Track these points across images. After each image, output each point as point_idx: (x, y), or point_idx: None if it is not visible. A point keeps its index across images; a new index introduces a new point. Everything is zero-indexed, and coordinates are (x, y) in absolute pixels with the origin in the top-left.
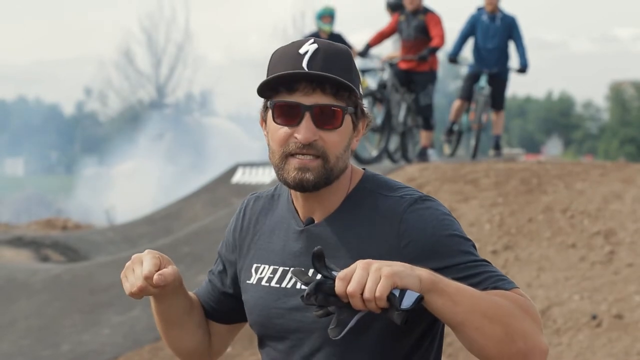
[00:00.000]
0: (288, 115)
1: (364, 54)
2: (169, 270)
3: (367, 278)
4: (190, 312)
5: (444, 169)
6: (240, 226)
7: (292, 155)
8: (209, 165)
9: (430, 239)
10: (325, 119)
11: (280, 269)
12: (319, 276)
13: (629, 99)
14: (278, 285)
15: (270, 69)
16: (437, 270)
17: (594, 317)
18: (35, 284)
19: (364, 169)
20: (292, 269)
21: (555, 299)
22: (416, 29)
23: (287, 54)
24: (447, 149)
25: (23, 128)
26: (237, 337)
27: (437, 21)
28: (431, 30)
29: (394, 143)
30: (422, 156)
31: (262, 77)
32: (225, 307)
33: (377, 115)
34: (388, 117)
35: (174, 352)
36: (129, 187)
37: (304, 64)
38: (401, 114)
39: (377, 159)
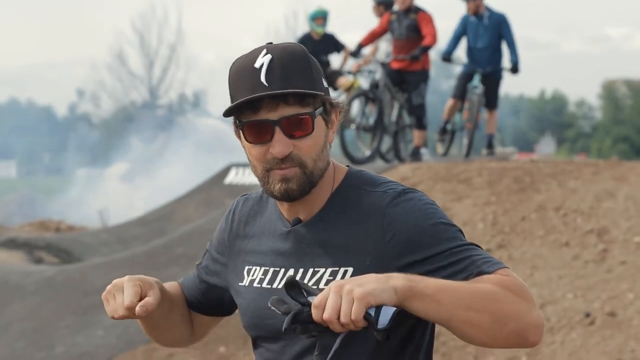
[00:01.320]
0: (258, 133)
1: (356, 53)
2: (150, 300)
3: (340, 302)
4: (170, 313)
5: (437, 169)
6: (230, 227)
7: (273, 169)
8: (202, 166)
9: (414, 229)
10: (295, 128)
11: (271, 269)
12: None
13: (622, 97)
14: (269, 286)
15: (230, 88)
16: (423, 260)
17: (588, 315)
18: (29, 286)
19: (348, 166)
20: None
21: (548, 297)
22: (408, 28)
23: (244, 70)
24: (440, 148)
25: (16, 130)
26: (232, 338)
27: (429, 20)
28: (423, 29)
29: (386, 143)
30: (415, 156)
31: None
32: (209, 300)
33: (369, 115)
34: (380, 116)
35: (158, 343)
36: (122, 188)
37: (262, 79)
38: (394, 113)
39: (370, 159)
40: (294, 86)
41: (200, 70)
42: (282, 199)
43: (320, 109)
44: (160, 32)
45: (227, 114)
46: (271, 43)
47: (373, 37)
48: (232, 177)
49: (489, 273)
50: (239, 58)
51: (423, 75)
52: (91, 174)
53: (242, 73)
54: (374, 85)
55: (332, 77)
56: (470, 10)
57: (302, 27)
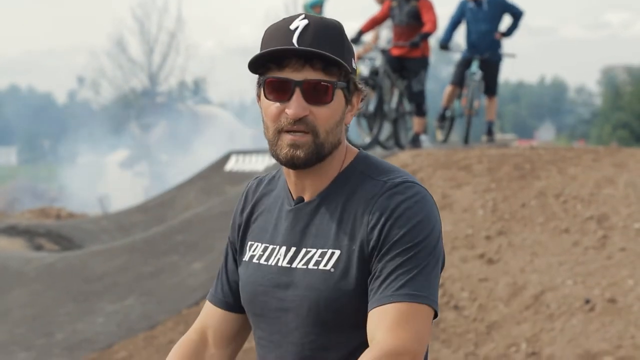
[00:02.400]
0: (279, 91)
1: (356, 40)
2: None
3: None
4: None
5: (436, 155)
6: (242, 208)
7: (285, 131)
8: (202, 153)
9: (386, 223)
10: (315, 94)
11: (270, 247)
12: None
13: (621, 83)
14: (265, 263)
15: (262, 45)
16: (377, 253)
17: (587, 302)
18: (29, 273)
19: (359, 149)
20: None
21: (548, 284)
22: (408, 15)
23: (279, 30)
24: (439, 135)
25: (16, 117)
26: None
27: (430, 7)
28: (423, 16)
29: (386, 130)
30: (415, 142)
31: None
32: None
33: (369, 102)
34: (380, 103)
35: None
36: (122, 175)
37: (294, 39)
38: (394, 100)
39: (370, 146)
40: (323, 51)
41: (200, 57)
42: (286, 164)
43: (343, 84)
44: (160, 19)
45: (252, 65)
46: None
47: (374, 24)
48: (232, 165)
49: (391, 303)
50: (279, 20)
51: (423, 62)
52: (91, 161)
53: (276, 32)
54: (374, 72)
55: None
56: None
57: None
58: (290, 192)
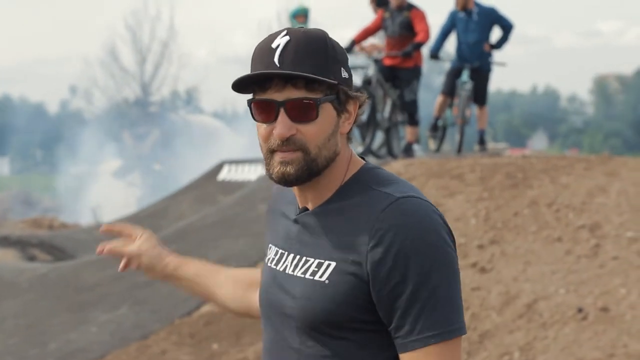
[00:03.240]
0: (265, 112)
1: (349, 50)
2: (113, 247)
3: None
4: (203, 292)
5: (429, 164)
6: (268, 208)
7: (276, 151)
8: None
9: (398, 250)
10: (299, 112)
11: (280, 251)
12: None
13: (613, 92)
14: (275, 267)
15: (251, 65)
16: (380, 290)
17: (580, 311)
18: (22, 283)
19: (364, 159)
20: None
21: (541, 292)
22: (401, 26)
23: (262, 50)
24: (432, 145)
25: (8, 127)
26: (224, 335)
27: (422, 17)
28: (416, 26)
29: (378, 139)
30: (408, 152)
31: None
32: None
33: (362, 111)
34: (373, 113)
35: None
36: (115, 185)
37: (276, 59)
38: (386, 109)
39: (362, 155)
40: (303, 70)
41: (193, 67)
42: (279, 182)
43: (331, 97)
44: (153, 29)
45: (235, 87)
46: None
47: (367, 34)
48: (225, 174)
49: (420, 348)
50: (265, 37)
51: (415, 72)
52: (84, 171)
53: (260, 51)
54: (367, 82)
55: None
56: (459, 5)
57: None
58: (297, 199)
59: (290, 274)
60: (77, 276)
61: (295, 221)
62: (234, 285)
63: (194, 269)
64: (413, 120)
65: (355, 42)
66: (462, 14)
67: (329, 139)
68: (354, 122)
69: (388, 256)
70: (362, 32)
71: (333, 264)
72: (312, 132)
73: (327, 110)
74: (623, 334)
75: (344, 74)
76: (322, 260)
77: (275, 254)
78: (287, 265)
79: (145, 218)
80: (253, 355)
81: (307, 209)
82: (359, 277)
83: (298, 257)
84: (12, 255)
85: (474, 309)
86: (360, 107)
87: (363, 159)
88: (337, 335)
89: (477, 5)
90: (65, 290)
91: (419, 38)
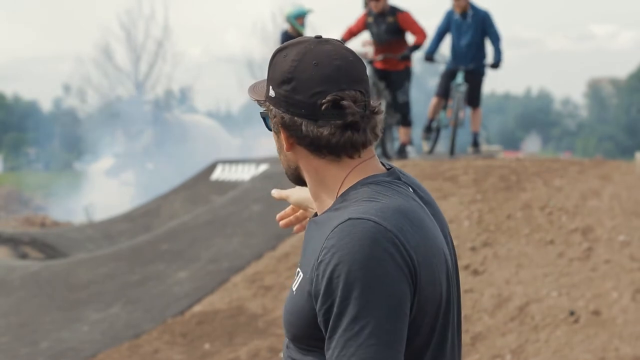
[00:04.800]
0: None
1: None
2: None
3: None
4: None
5: (422, 166)
6: None
7: None
8: (188, 162)
9: (331, 272)
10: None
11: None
12: None
13: (607, 96)
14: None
15: None
16: (319, 307)
17: (572, 314)
18: (14, 281)
19: (369, 176)
20: None
21: (533, 295)
22: (387, 31)
23: None
24: (425, 146)
25: (1, 125)
26: (217, 335)
27: (413, 19)
28: (410, 29)
29: None
30: (401, 153)
31: (242, 74)
32: None
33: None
34: None
35: None
36: (108, 184)
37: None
38: None
39: None
40: (259, 84)
41: (187, 66)
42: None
43: (266, 113)
44: (147, 28)
45: None
46: (320, 37)
47: (351, 35)
48: (218, 174)
49: None
50: None
51: (406, 74)
52: (77, 169)
53: None
54: None
55: None
56: (459, 7)
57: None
58: None
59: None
60: (69, 274)
61: (309, 221)
62: None
63: None
64: (406, 121)
65: (344, 41)
66: (457, 16)
67: (279, 152)
68: (305, 144)
69: (324, 277)
70: (347, 32)
71: (302, 275)
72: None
73: (275, 126)
74: (614, 337)
75: (271, 93)
76: (299, 270)
77: None
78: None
79: (138, 217)
80: (245, 355)
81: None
82: (310, 294)
83: (298, 263)
84: (3, 252)
85: (466, 312)
86: (290, 130)
87: (386, 166)
88: (302, 347)
89: (473, 7)
90: (57, 289)
91: (418, 40)
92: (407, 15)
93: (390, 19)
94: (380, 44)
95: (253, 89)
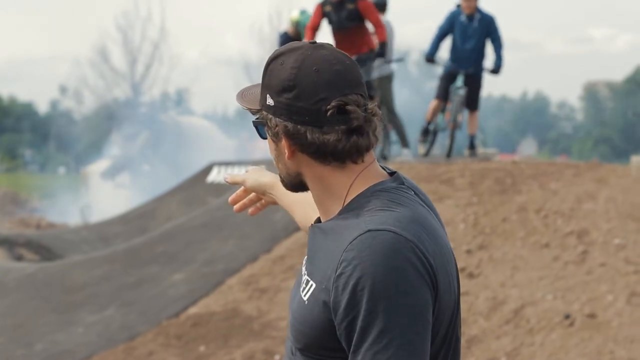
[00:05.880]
0: None
1: None
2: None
3: None
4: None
5: (418, 169)
6: None
7: None
8: (184, 164)
9: (354, 285)
10: (256, 131)
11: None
12: None
13: (603, 99)
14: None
15: None
16: (341, 320)
17: (567, 317)
18: (9, 283)
19: (376, 183)
20: None
21: (528, 298)
22: (348, 18)
23: None
24: (421, 149)
25: None
26: (212, 337)
27: (373, 7)
28: (370, 18)
29: None
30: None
31: (239, 76)
32: None
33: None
34: None
35: None
36: (104, 185)
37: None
38: None
39: None
40: (253, 91)
41: (184, 68)
42: None
43: (261, 121)
44: (144, 29)
45: None
46: (314, 42)
47: (313, 31)
48: (214, 176)
49: None
50: None
51: (369, 54)
52: (73, 170)
53: None
54: None
55: None
56: (468, 9)
57: (284, 26)
58: None
59: (299, 281)
60: (64, 276)
61: (312, 227)
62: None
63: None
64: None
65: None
66: (463, 18)
67: (277, 160)
68: (309, 152)
69: (346, 290)
70: (309, 32)
71: (314, 285)
72: (269, 149)
73: (268, 133)
74: (609, 340)
75: (269, 101)
76: (309, 279)
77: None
78: (296, 285)
79: (134, 219)
80: (240, 358)
81: (319, 221)
82: (326, 305)
83: (303, 269)
84: None
85: (461, 314)
86: (294, 138)
87: (386, 170)
88: (313, 357)
89: (479, 11)
90: (52, 291)
91: (381, 37)
92: (368, 3)
93: (350, 6)
94: (341, 31)
95: (242, 96)
